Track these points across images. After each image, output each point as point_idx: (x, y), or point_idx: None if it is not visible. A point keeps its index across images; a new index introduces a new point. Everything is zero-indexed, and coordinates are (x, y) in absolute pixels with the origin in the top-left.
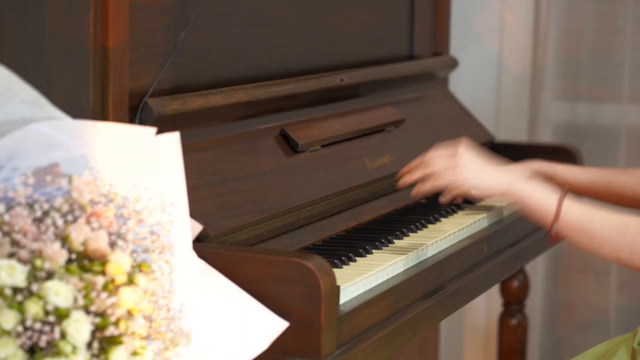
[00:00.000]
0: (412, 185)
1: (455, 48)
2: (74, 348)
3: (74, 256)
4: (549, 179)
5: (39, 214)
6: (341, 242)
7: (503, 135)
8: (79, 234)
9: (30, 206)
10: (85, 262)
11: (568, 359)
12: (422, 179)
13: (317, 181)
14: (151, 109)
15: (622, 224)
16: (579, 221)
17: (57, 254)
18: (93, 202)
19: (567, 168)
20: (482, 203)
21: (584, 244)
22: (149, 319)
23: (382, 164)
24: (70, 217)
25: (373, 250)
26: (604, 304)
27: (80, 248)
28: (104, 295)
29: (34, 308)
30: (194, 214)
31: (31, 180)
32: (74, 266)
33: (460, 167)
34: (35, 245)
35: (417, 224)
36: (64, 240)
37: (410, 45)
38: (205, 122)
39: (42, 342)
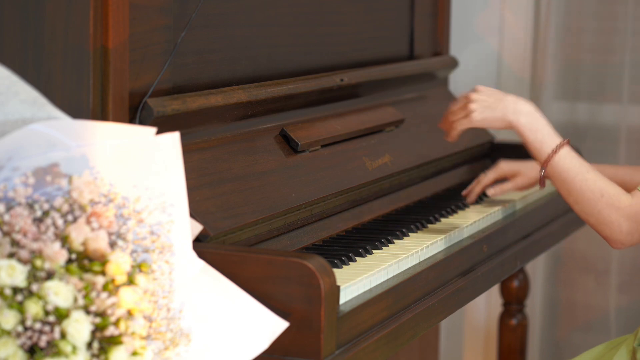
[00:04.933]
0: (413, 185)
1: (455, 48)
2: (74, 348)
3: (74, 256)
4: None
5: (39, 214)
6: (341, 242)
7: (503, 135)
8: (79, 234)
9: (30, 206)
10: (85, 262)
11: (568, 359)
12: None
13: (317, 181)
14: (151, 109)
15: (598, 192)
16: (564, 173)
17: (57, 254)
18: (93, 202)
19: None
20: (482, 203)
21: (563, 195)
22: (149, 319)
23: (382, 164)
24: (70, 217)
25: (373, 250)
26: (604, 304)
27: (80, 248)
28: (104, 295)
29: (34, 308)
30: (194, 214)
31: (31, 180)
32: (74, 266)
33: (477, 99)
34: (35, 245)
35: (417, 224)
36: (64, 240)
37: (410, 45)
38: (205, 122)
39: (42, 342)
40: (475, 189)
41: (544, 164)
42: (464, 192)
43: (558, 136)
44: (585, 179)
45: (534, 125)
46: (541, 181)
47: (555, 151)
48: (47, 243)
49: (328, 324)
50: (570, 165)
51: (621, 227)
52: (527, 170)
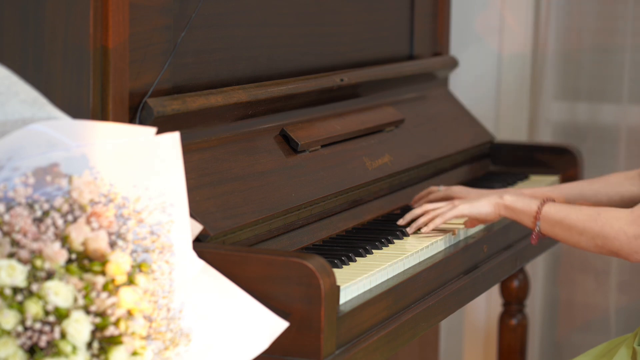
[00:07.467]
0: (413, 185)
1: (455, 48)
2: (74, 348)
3: (74, 256)
4: None
5: (39, 214)
6: (341, 242)
7: (503, 135)
8: (79, 234)
9: (30, 206)
10: (85, 262)
11: (568, 359)
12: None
13: (317, 181)
14: (151, 109)
15: (594, 213)
16: (557, 216)
17: (57, 254)
18: (93, 202)
19: (536, 190)
20: None
21: (565, 236)
22: (149, 319)
23: (382, 164)
24: (70, 217)
25: (373, 250)
26: (604, 304)
27: (80, 248)
28: (104, 295)
29: (34, 308)
30: (194, 214)
31: (31, 180)
32: (74, 266)
33: (457, 201)
34: (35, 245)
35: None
36: (64, 240)
37: (410, 45)
38: (205, 122)
39: (42, 342)
40: (419, 208)
41: (536, 218)
42: (403, 221)
43: (535, 198)
44: (578, 210)
45: (518, 196)
46: (534, 236)
47: (542, 204)
48: (47, 243)
49: (328, 324)
50: (560, 207)
51: (627, 233)
52: (472, 195)
